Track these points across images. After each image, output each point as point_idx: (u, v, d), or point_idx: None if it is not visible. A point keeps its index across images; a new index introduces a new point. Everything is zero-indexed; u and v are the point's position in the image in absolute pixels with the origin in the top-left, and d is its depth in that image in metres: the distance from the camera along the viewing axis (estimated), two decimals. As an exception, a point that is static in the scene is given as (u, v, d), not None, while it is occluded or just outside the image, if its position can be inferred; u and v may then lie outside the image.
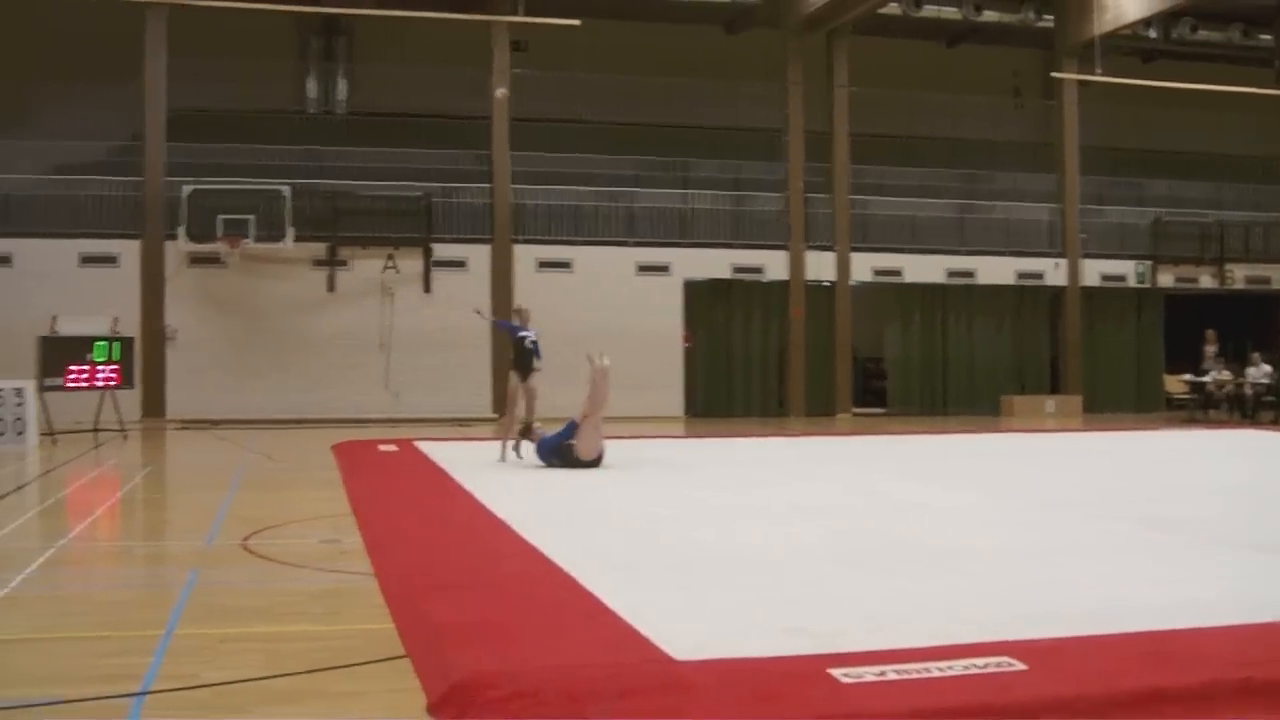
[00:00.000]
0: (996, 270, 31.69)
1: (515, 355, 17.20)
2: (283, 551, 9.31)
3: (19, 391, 20.25)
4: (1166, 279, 32.87)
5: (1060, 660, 5.58)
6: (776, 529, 10.17)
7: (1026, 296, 32.33)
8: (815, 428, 26.45)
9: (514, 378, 17.09)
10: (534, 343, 17.18)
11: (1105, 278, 32.54)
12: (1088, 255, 32.35)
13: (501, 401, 28.28)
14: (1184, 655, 5.72)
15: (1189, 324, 31.33)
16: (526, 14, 27.09)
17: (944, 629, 6.22)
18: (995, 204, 32.30)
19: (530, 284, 28.17)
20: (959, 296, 31.92)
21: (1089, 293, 32.45)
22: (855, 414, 30.73)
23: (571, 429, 15.53)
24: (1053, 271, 32.01)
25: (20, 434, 20.07)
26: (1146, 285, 32.75)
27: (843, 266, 30.84)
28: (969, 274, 31.55)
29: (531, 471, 15.04)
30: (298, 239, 27.34)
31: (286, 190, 27.38)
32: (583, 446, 15.42)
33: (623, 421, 26.23)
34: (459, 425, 26.45)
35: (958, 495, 12.91)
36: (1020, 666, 5.43)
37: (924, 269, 31.26)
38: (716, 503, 12.10)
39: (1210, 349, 29.55)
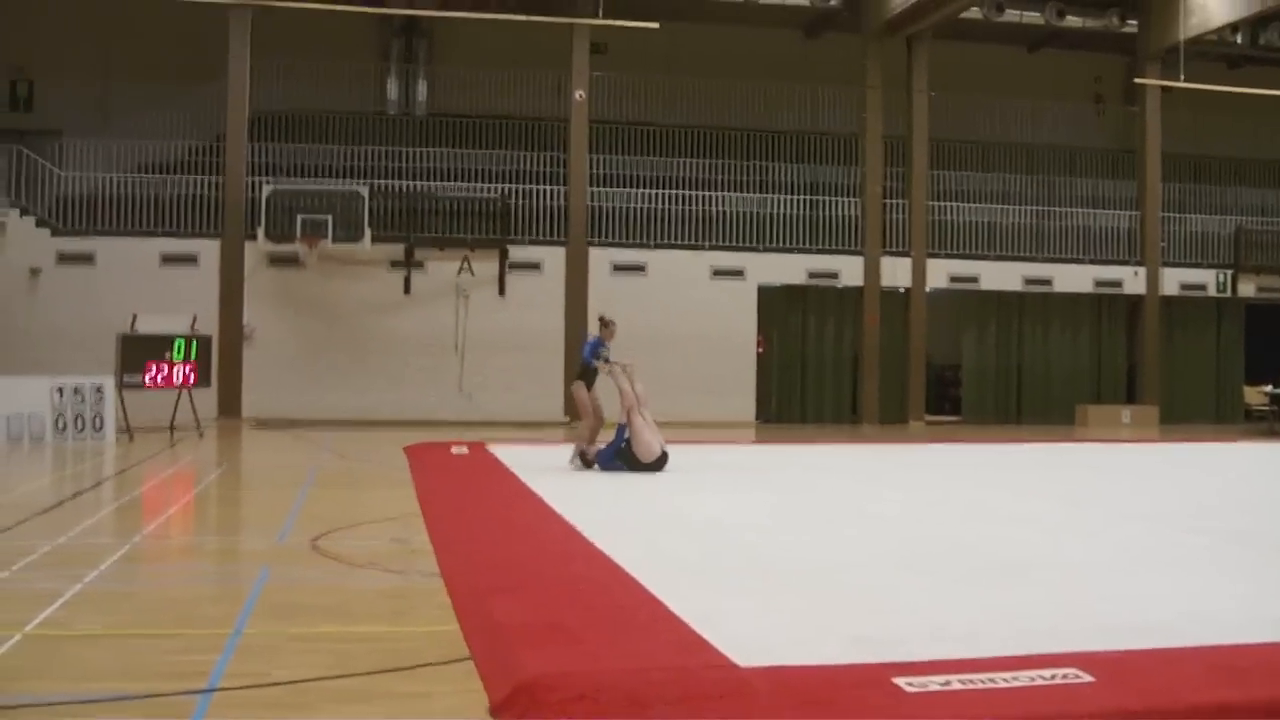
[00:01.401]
0: (1074, 278, 31.40)
1: (581, 369, 16.95)
2: (352, 551, 9.37)
3: (99, 388, 20.57)
4: (1248, 288, 32.40)
5: (1128, 673, 5.51)
6: (845, 536, 10.11)
7: (1104, 304, 32.01)
8: (888, 435, 26.30)
9: (580, 386, 16.81)
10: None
11: (1185, 286, 32.14)
12: (1167, 264, 31.97)
13: (572, 404, 28.41)
14: (1255, 670, 5.62)
15: (1271, 334, 30.86)
16: (606, 16, 27.16)
17: (1012, 640, 6.15)
18: (1074, 210, 32.01)
19: (605, 287, 28.23)
20: (1036, 304, 31.67)
21: (1168, 301, 32.07)
22: (929, 421, 30.57)
23: (622, 432, 15.51)
24: (1131, 280, 31.66)
25: (99, 430, 20.39)
26: (1227, 294, 32.30)
27: (919, 272, 30.67)
28: (1046, 281, 31.28)
29: (600, 477, 15.04)
30: (375, 240, 27.60)
31: (364, 191, 27.63)
32: (639, 448, 15.39)
33: (694, 427, 26.21)
34: (530, 429, 26.52)
35: (1031, 504, 12.78)
36: (1088, 679, 5.36)
37: (1001, 276, 31.03)
38: (785, 510, 12.04)
39: (1292, 360, 29.10)
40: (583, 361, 16.79)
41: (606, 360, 16.41)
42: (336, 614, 7.18)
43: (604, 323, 16.86)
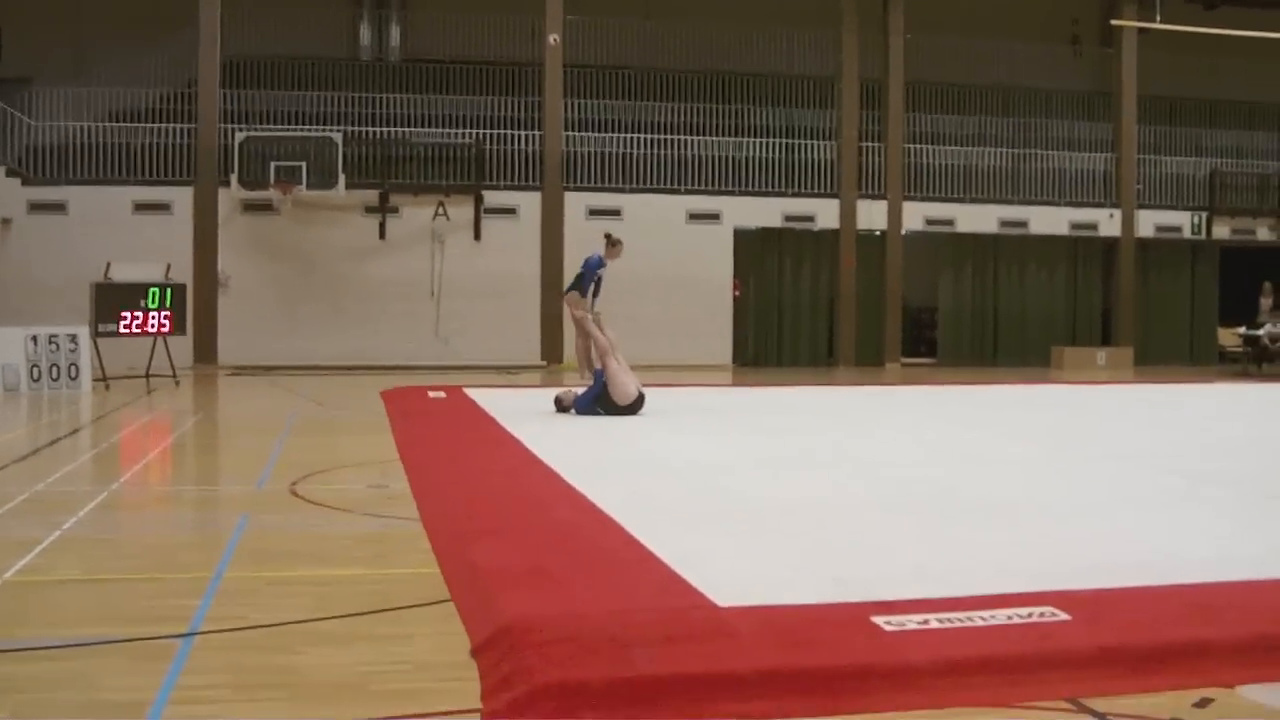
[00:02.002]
0: (1050, 220, 31.44)
1: (576, 279, 16.68)
2: (331, 496, 9.38)
3: (73, 337, 20.47)
4: (1223, 230, 32.51)
5: (1104, 611, 5.55)
6: (824, 478, 10.14)
7: (1080, 247, 32.09)
8: (864, 377, 26.37)
9: (574, 296, 16.35)
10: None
11: (1160, 229, 32.23)
12: (1142, 206, 32.02)
13: (551, 349, 28.43)
14: (1231, 608, 5.66)
15: (1245, 276, 30.97)
16: (579, -41, 26.98)
17: (991, 580, 6.19)
18: (1050, 153, 31.98)
19: (580, 231, 28.11)
20: (1011, 246, 31.72)
21: (1143, 244, 32.16)
22: (905, 364, 30.68)
23: (600, 376, 15.49)
24: (1107, 222, 31.72)
25: (74, 379, 20.30)
26: (1201, 237, 32.40)
27: (894, 215, 30.68)
28: (1022, 224, 31.31)
29: (579, 420, 15.05)
30: (349, 186, 27.44)
31: (338, 137, 27.46)
32: (615, 390, 15.37)
33: (671, 369, 26.24)
34: (508, 373, 26.54)
35: (1008, 446, 12.84)
36: (1064, 617, 5.40)
37: (977, 219, 31.05)
38: (764, 451, 12.06)
39: (1266, 301, 29.18)
40: (580, 272, 16.52)
41: (598, 284, 16.28)
42: (316, 559, 7.19)
43: (610, 241, 16.60)
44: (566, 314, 16.51)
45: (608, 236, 16.76)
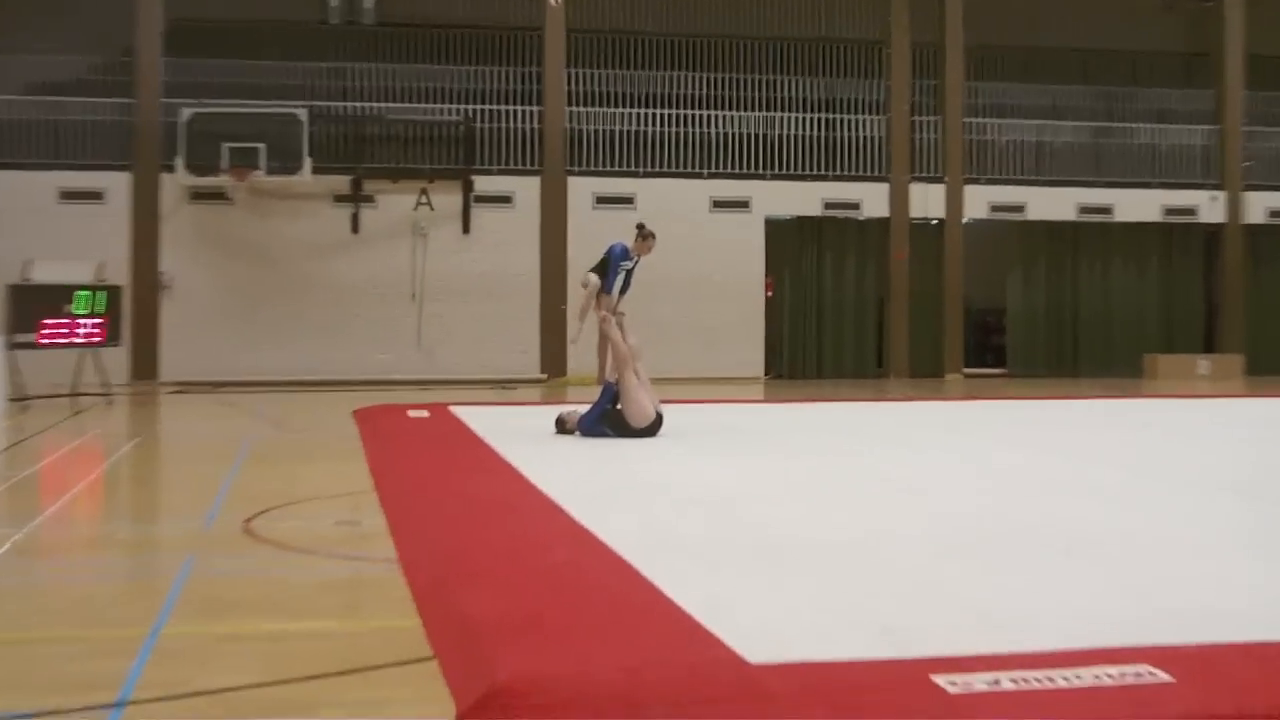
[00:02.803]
0: (1139, 205, 31.37)
1: (600, 264, 16.53)
2: (293, 535, 9.32)
3: (-16, 349, 20.42)
4: (1351, 214, 32.35)
5: (1213, 671, 5.44)
6: (872, 510, 10.07)
7: (1176, 236, 32.01)
8: (920, 391, 26.32)
9: (595, 285, 16.28)
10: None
11: (1273, 213, 32.07)
12: (1251, 186, 31.89)
13: (552, 361, 28.40)
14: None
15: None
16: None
17: (1072, 630, 6.10)
18: (1138, 126, 31.92)
19: (586, 222, 28.19)
20: (1093, 237, 31.65)
21: (1252, 231, 32.05)
22: (968, 375, 30.64)
23: (610, 392, 15.42)
24: (1208, 206, 31.62)
25: (-14, 398, 20.27)
26: (1324, 222, 32.28)
27: (954, 201, 30.65)
28: (1105, 210, 31.26)
29: (585, 445, 14.98)
30: (316, 171, 27.48)
31: (303, 114, 27.50)
32: (631, 411, 15.30)
33: (692, 383, 26.20)
34: (502, 388, 26.51)
35: (1089, 472, 12.74)
36: (1165, 678, 5.29)
37: (1052, 204, 31.02)
38: (801, 479, 12.01)
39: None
40: (604, 259, 16.25)
41: (627, 279, 16.13)
42: (274, 609, 7.13)
43: (642, 233, 16.28)
44: (573, 308, 16.29)
45: (640, 228, 16.46)
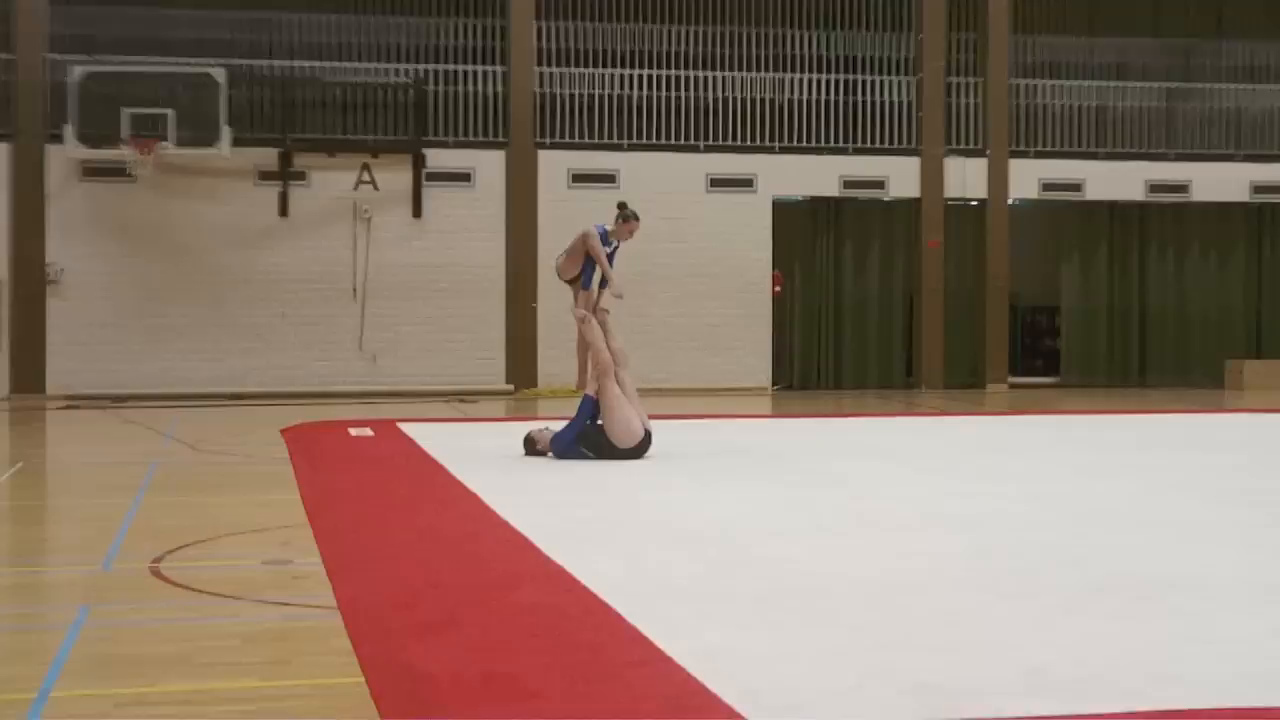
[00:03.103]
0: (1221, 181, 31.41)
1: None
2: (210, 578, 9.31)
3: None
4: None
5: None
6: (901, 545, 10.08)
7: (1266, 218, 32.00)
8: (958, 405, 26.34)
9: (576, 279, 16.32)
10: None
11: (1387, 191, 32.11)
12: (1360, 157, 31.92)
13: (520, 369, 28.39)
14: None
15: None
16: None
17: (1141, 690, 6.12)
18: (1221, 88, 31.95)
19: (560, 204, 28.17)
20: (1165, 219, 31.69)
21: (1362, 212, 32.10)
22: (1014, 386, 30.66)
23: (589, 405, 15.41)
24: (1305, 182, 31.64)
25: None
26: None
27: (998, 179, 30.67)
28: (1181, 188, 31.29)
29: (560, 467, 14.99)
30: (236, 143, 27.41)
31: (220, 74, 27.42)
32: (615, 428, 15.31)
33: (687, 395, 26.17)
34: (460, 402, 26.49)
35: (1160, 501, 12.79)
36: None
37: (1116, 181, 31.05)
38: (816, 510, 12.03)
39: None
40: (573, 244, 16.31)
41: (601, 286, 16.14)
42: (188, 667, 7.11)
43: (624, 213, 16.33)
44: (545, 304, 16.26)
45: (621, 208, 16.50)
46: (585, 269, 16.11)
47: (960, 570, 9.09)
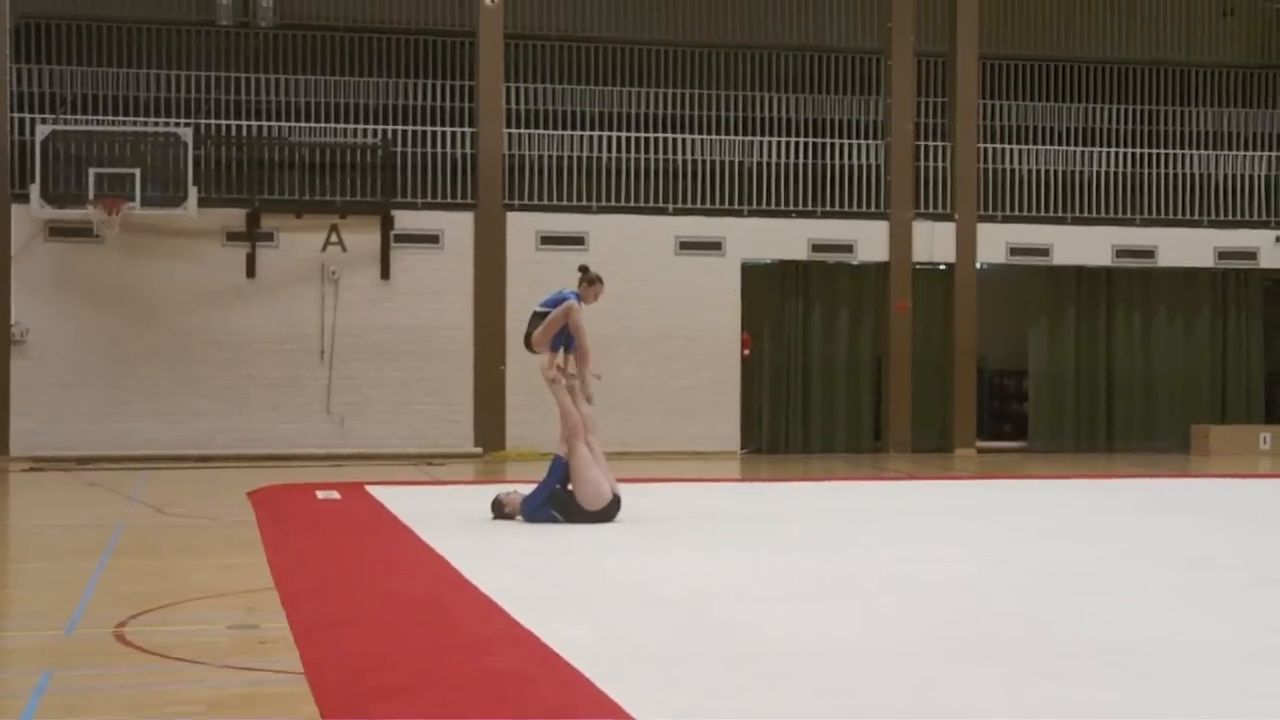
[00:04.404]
0: (1188, 247, 31.48)
1: (534, 317, 16.47)
2: (175, 642, 9.26)
3: None
4: None
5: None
6: (872, 611, 10.08)
7: (1231, 284, 32.12)
8: (926, 469, 26.33)
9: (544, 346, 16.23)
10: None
11: (1353, 257, 32.22)
12: (1325, 225, 32.06)
13: (489, 432, 28.35)
14: None
15: None
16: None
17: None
18: (1189, 153, 32.06)
19: (529, 266, 28.12)
20: (1133, 285, 31.77)
21: (1325, 279, 32.21)
22: (982, 450, 30.65)
23: (560, 468, 15.39)
24: (1271, 248, 31.72)
25: None
26: None
27: (966, 242, 30.72)
28: (1147, 253, 31.38)
29: (529, 531, 14.96)
30: (203, 203, 27.33)
31: (188, 134, 27.38)
32: (584, 491, 15.29)
33: (655, 458, 26.13)
34: (428, 464, 26.41)
35: (1130, 566, 12.82)
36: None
37: (1083, 246, 31.13)
38: (786, 573, 12.07)
39: None
40: (538, 310, 16.18)
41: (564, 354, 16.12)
42: (154, 731, 7.08)
43: (587, 276, 16.29)
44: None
45: (584, 271, 16.52)
46: (558, 334, 16.08)
47: (929, 635, 9.09)
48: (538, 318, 16.10)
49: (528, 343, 16.31)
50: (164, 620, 10.07)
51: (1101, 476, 24.19)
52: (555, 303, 16.07)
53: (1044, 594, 10.95)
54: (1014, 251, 31.05)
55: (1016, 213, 31.05)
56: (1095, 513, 18.10)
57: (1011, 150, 31.31)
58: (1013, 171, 31.19)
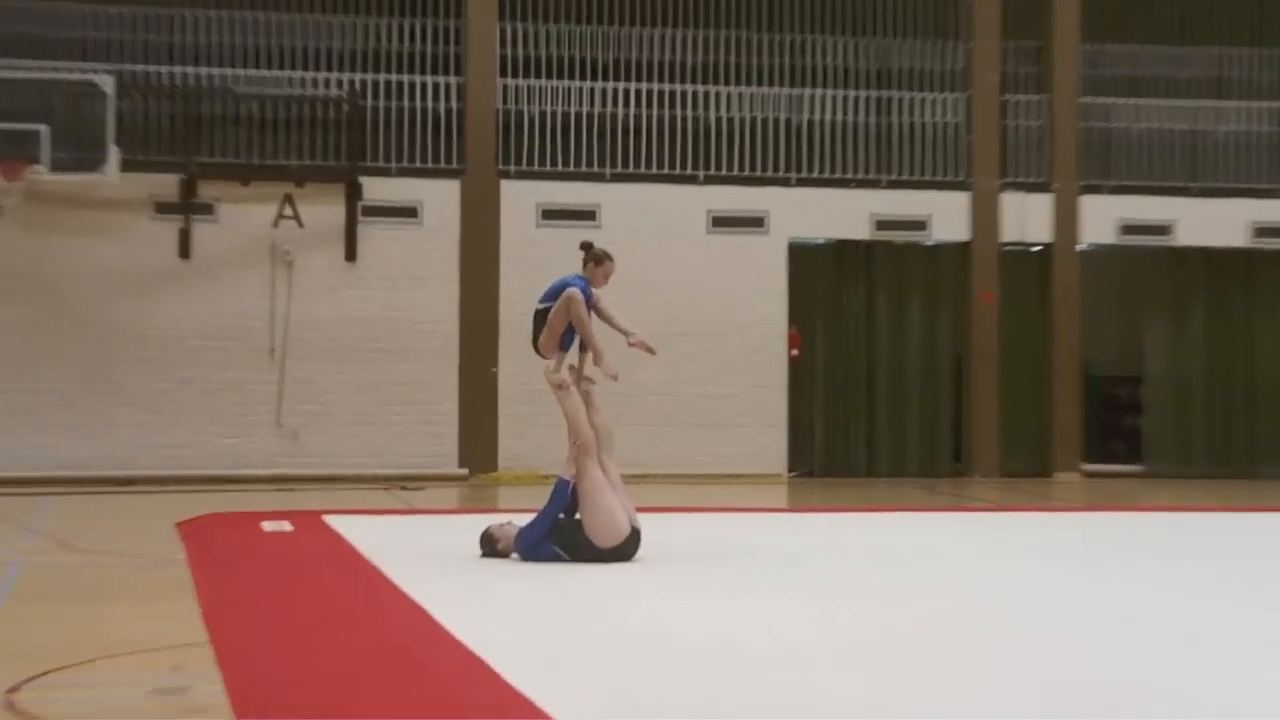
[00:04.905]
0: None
1: (536, 315, 16.46)
2: (82, 711, 9.20)
3: None
4: None
5: None
6: (944, 672, 10.02)
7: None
8: (1020, 498, 26.37)
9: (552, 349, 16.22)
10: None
11: None
12: None
13: (477, 449, 28.28)
14: None
15: None
16: None
17: None
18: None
19: (528, 246, 28.12)
20: (1275, 270, 31.66)
21: None
22: (1088, 474, 30.62)
23: (565, 494, 15.28)
24: None
25: None
26: None
27: (1066, 218, 30.76)
28: (1295, 230, 31.32)
29: (526, 571, 14.93)
30: (127, 167, 27.39)
31: (108, 82, 27.38)
32: (596, 521, 15.18)
33: (683, 482, 26.10)
34: (402, 488, 26.39)
35: (1271, 622, 12.71)
36: None
37: (1213, 222, 31.14)
38: (846, 629, 12.00)
39: None
40: (543, 305, 16.17)
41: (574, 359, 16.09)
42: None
43: (592, 254, 16.31)
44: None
45: (587, 248, 16.45)
46: (566, 332, 15.98)
47: (1016, 702, 8.96)
48: (540, 317, 16.05)
49: (536, 347, 16.25)
50: (68, 683, 9.96)
51: (1239, 509, 24.10)
52: (557, 294, 16.01)
53: (1165, 654, 10.85)
54: (1126, 230, 31.03)
55: (1128, 182, 31.05)
56: (1229, 555, 18.02)
57: (1122, 105, 31.28)
58: (1124, 131, 31.18)
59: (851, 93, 30.67)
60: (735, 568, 15.65)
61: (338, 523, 19.50)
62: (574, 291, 15.82)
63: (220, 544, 17.48)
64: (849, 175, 30.26)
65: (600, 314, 16.20)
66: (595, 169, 29.52)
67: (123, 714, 9.08)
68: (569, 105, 29.73)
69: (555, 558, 15.15)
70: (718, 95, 30.18)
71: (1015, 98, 30.99)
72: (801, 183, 30.05)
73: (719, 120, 30.12)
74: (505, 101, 29.47)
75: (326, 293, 28.46)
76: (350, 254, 28.58)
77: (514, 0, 29.97)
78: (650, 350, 16.32)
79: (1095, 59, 31.54)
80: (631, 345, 16.17)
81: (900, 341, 30.79)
